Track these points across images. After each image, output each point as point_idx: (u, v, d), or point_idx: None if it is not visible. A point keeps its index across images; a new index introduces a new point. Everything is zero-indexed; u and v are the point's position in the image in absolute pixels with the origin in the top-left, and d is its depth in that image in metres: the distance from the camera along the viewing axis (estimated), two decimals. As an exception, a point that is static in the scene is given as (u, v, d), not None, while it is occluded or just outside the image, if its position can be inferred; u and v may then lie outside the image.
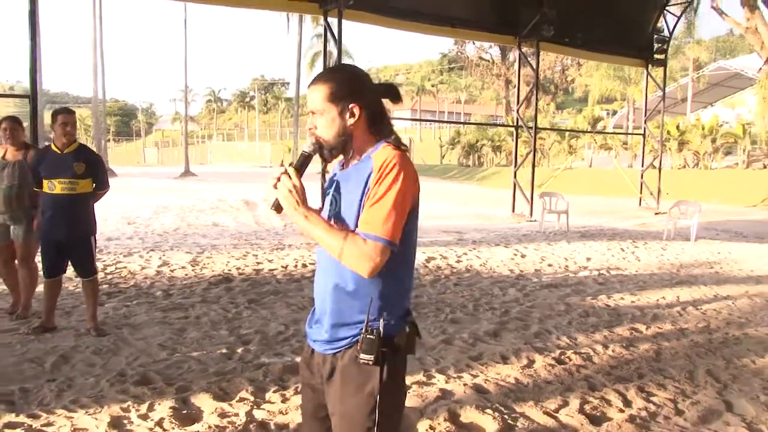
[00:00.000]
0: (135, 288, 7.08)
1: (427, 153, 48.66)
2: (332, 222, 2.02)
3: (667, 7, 18.17)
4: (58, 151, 5.22)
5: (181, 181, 31.83)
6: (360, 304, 2.00)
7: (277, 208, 2.02)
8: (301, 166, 2.02)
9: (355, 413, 2.02)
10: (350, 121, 2.01)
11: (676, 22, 18.91)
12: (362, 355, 1.97)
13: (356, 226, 1.95)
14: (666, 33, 18.59)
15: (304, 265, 8.55)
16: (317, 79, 2.05)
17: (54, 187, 5.14)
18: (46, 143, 6.26)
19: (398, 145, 2.02)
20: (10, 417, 3.64)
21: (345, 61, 13.55)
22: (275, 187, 2.02)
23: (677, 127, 29.59)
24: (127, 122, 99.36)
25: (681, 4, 18.55)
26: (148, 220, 13.87)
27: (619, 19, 16.71)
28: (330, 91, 2.00)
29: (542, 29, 14.55)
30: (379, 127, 2.05)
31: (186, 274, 7.85)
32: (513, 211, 15.97)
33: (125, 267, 8.19)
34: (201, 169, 46.68)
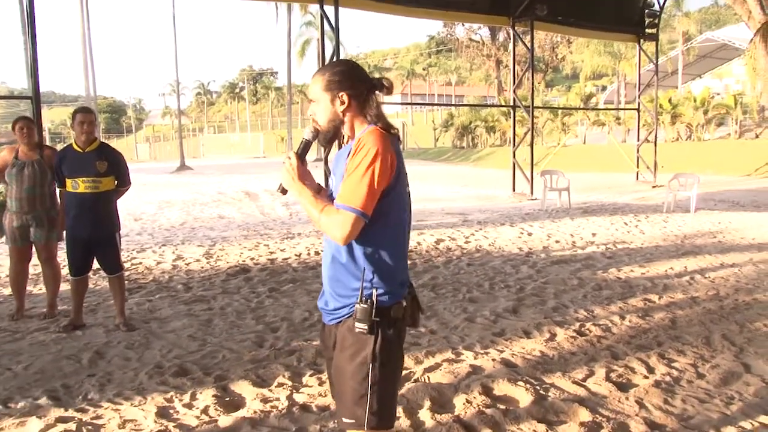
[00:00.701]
0: (155, 283, 7.19)
1: (420, 136, 48.69)
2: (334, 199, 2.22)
3: (656, -19, 18.24)
4: (80, 150, 5.30)
5: (178, 176, 31.82)
6: (354, 274, 2.18)
7: (282, 189, 2.29)
8: (302, 150, 2.27)
9: (349, 379, 2.19)
10: (340, 108, 2.22)
11: (666, -4, 18.98)
12: (357, 324, 2.14)
13: None
14: (656, 7, 18.66)
15: (317, 253, 8.68)
16: (316, 72, 2.29)
17: (78, 186, 5.23)
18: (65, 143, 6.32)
19: (387, 128, 2.21)
20: (60, 412, 3.76)
21: (329, 47, 13.59)
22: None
23: (669, 100, 29.73)
24: (117, 119, 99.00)
25: (670, -23, 18.59)
26: (153, 215, 13.95)
27: (610, -5, 16.80)
28: (324, 82, 2.23)
29: (536, 8, 14.62)
30: (369, 114, 2.23)
31: (202, 267, 7.97)
32: (513, 190, 16.11)
33: (141, 263, 8.30)
34: (195, 163, 46.59)
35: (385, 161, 2.11)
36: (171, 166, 40.67)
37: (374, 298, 2.15)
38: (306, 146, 2.28)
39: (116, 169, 5.39)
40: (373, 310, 2.14)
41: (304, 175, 2.24)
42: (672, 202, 12.95)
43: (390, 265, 2.20)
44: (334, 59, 12.22)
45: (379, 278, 2.18)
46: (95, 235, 5.32)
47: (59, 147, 5.83)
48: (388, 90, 2.29)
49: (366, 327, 2.14)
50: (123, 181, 5.51)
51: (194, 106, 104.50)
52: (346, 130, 2.27)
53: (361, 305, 2.14)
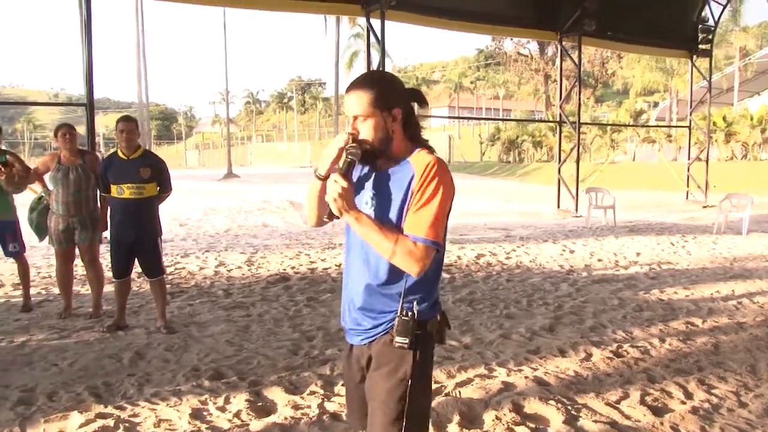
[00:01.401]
0: (196, 288, 7.35)
1: (466, 150, 48.55)
2: None
3: (711, -3, 17.89)
4: (124, 157, 5.50)
5: (225, 183, 32.41)
6: (393, 293, 2.12)
7: (330, 215, 2.09)
8: (346, 170, 2.06)
9: (387, 397, 2.11)
10: (392, 125, 2.09)
11: (722, 11, 18.58)
12: (397, 338, 2.07)
13: (398, 226, 2.06)
14: (711, 22, 18.27)
15: (356, 264, 8.72)
16: (359, 85, 2.10)
17: (122, 191, 5.42)
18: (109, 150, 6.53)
19: (432, 150, 2.14)
20: (100, 408, 3.89)
21: (376, 58, 13.69)
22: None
23: (724, 118, 29.01)
24: (167, 126, 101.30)
25: (726, -8, 18.22)
26: (198, 221, 14.25)
27: (661, 10, 16.52)
28: (374, 96, 2.06)
29: (584, 24, 14.49)
30: (412, 132, 2.14)
31: (243, 274, 8.10)
32: (558, 207, 15.93)
33: (184, 267, 8.49)
34: (242, 171, 47.37)
35: (452, 189, 2.07)
36: (218, 173, 41.43)
37: (415, 311, 2.09)
38: (351, 166, 2.08)
39: (159, 176, 5.56)
40: (415, 323, 2.08)
41: (354, 200, 2.08)
42: (723, 222, 12.62)
43: (431, 281, 2.16)
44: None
45: (421, 292, 2.13)
46: (138, 239, 5.50)
47: (112, 151, 6.02)
48: (423, 103, 2.20)
49: (407, 341, 2.07)
50: (165, 188, 5.68)
51: (243, 115, 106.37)
52: (391, 148, 2.13)
53: (402, 318, 2.08)
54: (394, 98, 2.10)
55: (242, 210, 17.02)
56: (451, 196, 2.07)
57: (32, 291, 6.66)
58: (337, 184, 2.00)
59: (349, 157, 2.07)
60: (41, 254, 9.08)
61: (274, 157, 67.90)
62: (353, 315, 2.22)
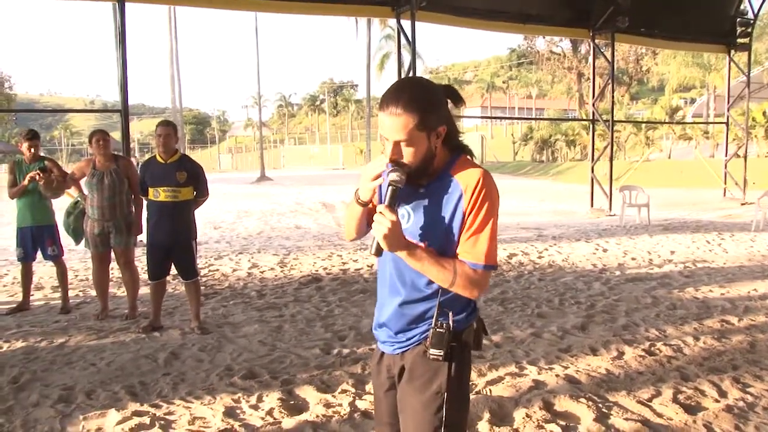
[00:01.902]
0: (230, 289, 7.46)
1: (499, 150, 48.30)
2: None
3: (750, -11, 17.51)
4: (162, 161, 5.62)
5: (258, 186, 32.76)
6: (430, 299, 2.03)
7: (377, 251, 1.93)
8: (392, 201, 1.90)
9: (423, 411, 2.03)
10: (436, 143, 1.94)
11: (762, 4, 18.13)
12: (431, 350, 1.98)
13: (445, 246, 1.96)
14: (750, 15, 17.87)
15: (388, 264, 8.76)
16: (402, 107, 1.86)
17: (159, 194, 5.54)
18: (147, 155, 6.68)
19: (471, 154, 2.04)
20: (136, 406, 3.99)
21: (407, 60, 13.71)
22: (376, 180, 1.97)
23: (763, 113, 28.35)
24: (201, 130, 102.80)
25: (765, -16, 17.80)
26: (232, 224, 14.44)
27: (697, 3, 16.23)
28: (419, 121, 1.86)
29: (617, 21, 14.31)
30: (452, 141, 2.01)
31: (276, 276, 8.20)
32: (591, 205, 15.76)
33: (218, 270, 8.62)
34: (276, 174, 47.82)
35: (499, 201, 1.99)
36: (252, 176, 41.88)
37: (450, 322, 2.00)
38: (395, 194, 1.91)
39: (195, 180, 5.66)
40: (450, 335, 1.98)
41: (402, 233, 1.93)
42: (762, 220, 12.35)
43: None
44: (410, 74, 12.37)
45: (456, 304, 2.04)
46: (173, 241, 5.61)
47: (147, 156, 6.17)
48: (458, 100, 2.03)
49: (441, 353, 1.98)
50: (201, 192, 5.77)
51: (275, 118, 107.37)
52: (432, 164, 1.99)
53: (437, 330, 1.98)
54: (439, 117, 1.92)
55: (275, 212, 17.20)
56: (497, 208, 1.98)
57: (70, 293, 6.85)
58: (385, 219, 1.86)
59: (393, 185, 1.90)
60: (78, 257, 9.31)
61: (307, 159, 68.39)
62: (386, 326, 2.15)
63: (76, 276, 8.17)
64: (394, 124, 1.87)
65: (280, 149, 76.81)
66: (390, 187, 1.91)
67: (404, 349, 2.10)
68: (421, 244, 1.96)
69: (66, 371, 4.68)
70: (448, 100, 2.00)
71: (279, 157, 71.01)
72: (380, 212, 1.87)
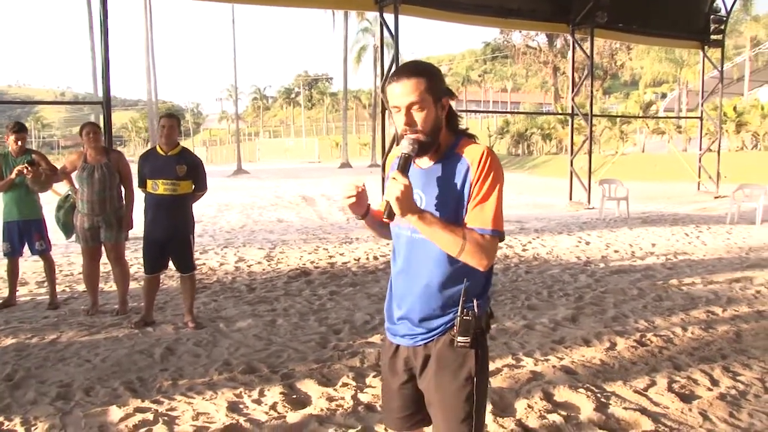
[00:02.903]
0: (218, 283, 7.44)
1: (474, 143, 48.37)
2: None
3: (723, -14, 17.82)
4: (162, 153, 5.56)
5: (236, 179, 32.55)
6: (452, 293, 2.05)
7: (389, 214, 1.99)
8: (405, 167, 1.98)
9: (453, 399, 2.07)
10: (441, 115, 2.04)
11: (734, 2, 18.48)
12: (459, 338, 2.01)
13: (457, 221, 2.01)
14: (723, 13, 18.20)
15: (375, 258, 8.82)
16: (411, 73, 2.00)
17: (157, 187, 5.49)
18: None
19: (475, 138, 2.13)
20: (137, 402, 3.97)
21: (387, 53, 13.77)
22: (349, 199, 2.09)
23: (734, 108, 28.87)
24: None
25: (737, -18, 18.13)
26: (213, 218, 14.36)
27: (673, 1, 16.48)
28: (428, 84, 1.98)
29: (596, 16, 14.49)
30: (454, 122, 2.10)
31: (264, 269, 8.19)
32: (570, 199, 15.95)
33: (204, 263, 8.58)
34: (251, 167, 47.56)
35: (503, 177, 2.05)
36: (227, 169, 41.60)
37: (476, 309, 2.04)
38: (407, 162, 2.00)
39: (194, 174, 5.61)
40: (476, 322, 2.03)
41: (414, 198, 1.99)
42: (736, 213, 12.62)
43: (488, 276, 2.13)
44: (393, 67, 12.39)
45: (479, 290, 2.09)
46: (170, 235, 5.57)
47: (150, 147, 6.10)
48: (453, 95, 2.14)
49: (469, 341, 2.02)
50: (200, 186, 5.74)
51: (250, 111, 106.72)
52: (438, 139, 2.07)
53: (464, 318, 2.02)
54: (443, 88, 2.05)
55: (256, 206, 17.14)
56: (503, 183, 2.04)
57: (57, 288, 6.77)
58: (398, 183, 1.92)
59: (407, 151, 2.00)
60: (60, 252, 9.19)
61: (282, 152, 68.14)
62: (405, 319, 2.16)
63: (61, 271, 8.06)
64: (406, 87, 1.98)
65: (255, 142, 76.37)
66: (403, 155, 2.00)
67: (428, 340, 2.12)
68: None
69: (61, 368, 4.64)
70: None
71: (254, 151, 70.61)
72: (393, 177, 1.94)
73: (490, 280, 2.16)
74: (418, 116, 2.00)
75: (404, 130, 2.02)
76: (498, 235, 2.00)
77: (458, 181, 2.02)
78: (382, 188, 2.27)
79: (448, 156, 2.06)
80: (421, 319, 2.11)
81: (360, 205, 2.15)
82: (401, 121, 2.01)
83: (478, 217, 1.99)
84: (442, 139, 2.06)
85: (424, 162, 2.09)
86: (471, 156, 2.02)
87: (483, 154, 2.01)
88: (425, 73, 2.01)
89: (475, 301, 2.05)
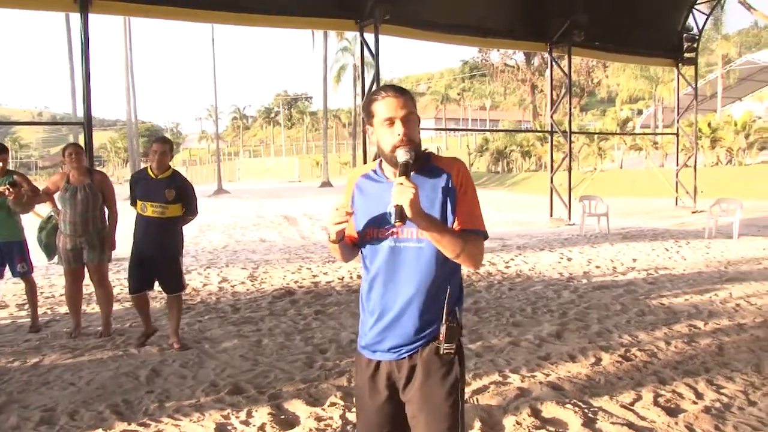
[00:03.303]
0: (203, 304, 7.39)
1: (454, 161, 48.65)
2: (400, 230, 2.12)
3: (695, 6, 18.19)
4: (153, 176, 5.56)
5: (216, 199, 32.41)
6: (438, 300, 2.13)
7: (401, 218, 2.00)
8: (407, 174, 2.04)
9: (441, 406, 2.13)
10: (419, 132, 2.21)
11: (705, 20, 18.90)
12: (445, 345, 2.09)
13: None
14: (695, 31, 18.59)
15: (360, 276, 8.79)
16: (401, 90, 2.17)
17: (146, 209, 5.50)
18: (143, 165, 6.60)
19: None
20: (123, 425, 3.93)
21: (368, 72, 13.88)
22: (339, 225, 2.14)
23: (708, 124, 29.40)
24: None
25: (709, 1, 18.55)
26: (195, 238, 14.26)
27: (647, 20, 16.79)
28: (413, 101, 2.19)
29: (573, 34, 14.73)
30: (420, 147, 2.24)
31: (248, 289, 8.16)
32: (551, 215, 16.09)
33: (188, 284, 8.50)
34: (232, 186, 47.40)
35: None
36: (208, 189, 41.39)
37: (459, 315, 2.16)
38: (408, 168, 2.07)
39: (184, 198, 5.61)
40: (459, 328, 2.13)
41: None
42: (714, 227, 12.82)
43: (461, 281, 2.25)
44: (375, 86, 12.48)
45: (458, 296, 2.20)
46: (157, 256, 5.57)
47: (143, 167, 6.05)
48: None
49: (454, 347, 2.11)
50: (190, 210, 5.72)
51: (230, 131, 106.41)
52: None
53: (449, 325, 2.10)
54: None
55: (238, 225, 17.07)
56: None
57: (38, 311, 6.68)
58: (408, 188, 1.98)
59: (406, 158, 2.07)
60: (41, 274, 9.08)
61: (263, 172, 67.99)
62: (390, 332, 2.17)
63: (42, 293, 7.95)
64: (399, 102, 2.13)
65: (235, 162, 76.16)
66: (402, 163, 2.07)
67: (413, 351, 2.16)
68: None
69: (44, 392, 4.57)
70: None
71: (234, 170, 70.39)
72: (400, 183, 2.00)
73: (462, 289, 2.28)
74: (409, 126, 2.13)
75: (400, 140, 2.11)
76: (486, 235, 2.18)
77: (442, 188, 2.15)
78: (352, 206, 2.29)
79: (426, 167, 2.18)
80: (412, 328, 2.14)
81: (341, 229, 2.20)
82: (394, 132, 2.11)
83: (470, 221, 2.14)
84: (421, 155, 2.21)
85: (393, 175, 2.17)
86: (449, 167, 2.18)
87: (460, 165, 2.20)
88: (409, 93, 2.20)
89: (456, 308, 2.16)
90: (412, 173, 2.09)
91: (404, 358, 2.17)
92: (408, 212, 1.98)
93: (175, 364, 5.16)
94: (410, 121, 2.13)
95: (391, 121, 2.12)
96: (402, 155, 2.09)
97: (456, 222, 2.13)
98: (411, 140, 2.11)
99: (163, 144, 5.60)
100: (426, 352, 2.15)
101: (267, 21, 12.34)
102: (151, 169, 5.60)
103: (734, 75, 44.59)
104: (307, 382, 4.62)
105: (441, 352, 2.11)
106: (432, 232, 2.05)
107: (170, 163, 5.71)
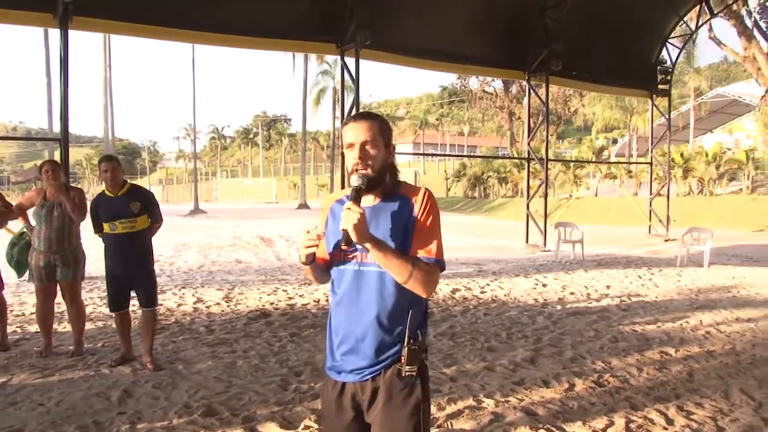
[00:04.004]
0: (177, 324, 7.32)
1: (432, 186, 48.76)
2: (364, 253, 2.18)
3: (668, 40, 18.66)
4: (112, 195, 5.57)
5: (192, 219, 32.16)
6: (400, 323, 2.18)
7: (347, 242, 2.11)
8: (356, 199, 2.14)
9: (403, 427, 2.16)
10: (389, 158, 2.26)
11: (678, 54, 19.41)
12: (407, 367, 2.14)
13: (399, 249, 2.15)
14: (669, 64, 19.05)
15: (335, 299, 8.79)
16: (365, 117, 2.26)
17: (116, 227, 5.50)
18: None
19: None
20: (94, 447, 3.88)
21: (347, 95, 14.01)
22: (310, 249, 2.23)
23: (681, 154, 29.96)
24: (130, 161, 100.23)
25: (681, 36, 19.05)
26: (170, 258, 14.15)
27: (623, 52, 17.18)
28: (380, 127, 2.24)
29: (551, 64, 14.99)
30: (395, 170, 2.30)
31: (222, 310, 8.10)
32: (527, 241, 16.23)
33: (162, 304, 8.42)
34: (209, 206, 47.11)
35: (439, 213, 2.27)
36: (184, 208, 41.12)
37: (420, 337, 2.19)
38: (359, 194, 2.17)
39: (148, 208, 5.66)
40: (422, 351, 2.18)
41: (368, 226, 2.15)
42: (686, 256, 13.02)
43: (425, 305, 2.27)
44: (354, 109, 12.57)
45: (422, 319, 2.25)
46: (132, 271, 5.58)
47: (99, 191, 6.03)
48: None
49: (416, 369, 2.15)
50: (155, 218, 5.77)
51: (208, 150, 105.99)
52: (386, 180, 2.25)
53: (411, 348, 2.15)
54: (390, 135, 2.30)
55: (213, 246, 16.95)
56: (440, 220, 2.27)
57: (7, 329, 6.56)
58: (354, 212, 2.07)
59: (357, 184, 2.18)
60: (11, 291, 8.93)
61: (240, 192, 67.68)
62: (352, 354, 2.23)
63: (12, 311, 7.82)
64: (361, 127, 2.22)
65: (212, 182, 75.76)
66: (353, 188, 2.17)
67: (376, 374, 2.20)
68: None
69: (11, 413, 4.49)
70: None
71: (212, 190, 70.00)
72: (348, 207, 2.09)
73: (427, 311, 2.32)
74: (370, 153, 2.21)
75: (356, 164, 2.20)
76: (440, 264, 2.19)
77: (404, 216, 2.21)
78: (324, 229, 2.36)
79: (392, 195, 2.25)
80: (374, 351, 2.19)
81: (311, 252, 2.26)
82: (353, 156, 2.21)
83: (424, 248, 2.18)
84: (390, 181, 2.26)
85: (370, 201, 2.25)
86: (413, 195, 2.24)
87: (425, 193, 2.24)
88: (378, 118, 2.28)
89: (418, 331, 2.19)
90: (378, 200, 2.24)
91: (367, 379, 2.21)
92: (353, 236, 2.07)
93: (148, 384, 5.10)
94: (370, 146, 2.21)
95: (351, 146, 2.22)
96: (354, 180, 2.19)
97: (412, 249, 2.18)
98: (367, 165, 2.19)
99: (109, 162, 5.61)
100: (388, 374, 2.20)
101: (249, 43, 12.39)
102: (107, 190, 5.62)
103: (705, 107, 45.63)
104: (282, 405, 4.60)
105: (403, 375, 2.15)
106: (378, 255, 2.12)
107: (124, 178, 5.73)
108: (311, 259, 2.26)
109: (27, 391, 4.93)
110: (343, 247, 2.15)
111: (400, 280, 2.13)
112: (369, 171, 2.19)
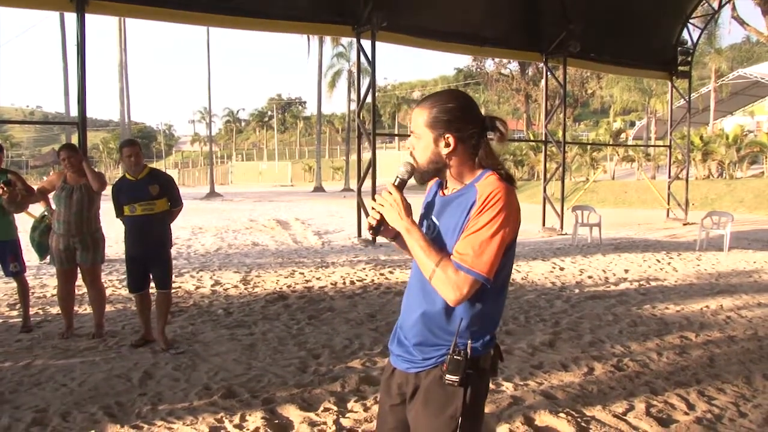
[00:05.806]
0: (195, 307, 7.37)
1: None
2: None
3: (690, 20, 18.36)
4: (133, 179, 5.62)
5: (208, 202, 32.31)
6: (448, 326, 2.02)
7: (375, 230, 2.06)
8: (398, 186, 2.07)
9: None
10: (445, 151, 2.01)
11: (700, 34, 19.11)
12: (448, 376, 1.97)
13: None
14: (689, 45, 18.76)
15: (352, 282, 8.82)
16: (423, 102, 2.06)
17: (135, 210, 5.57)
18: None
19: (507, 176, 2.03)
20: (116, 428, 3.92)
21: (363, 78, 13.92)
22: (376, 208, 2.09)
23: (700, 137, 29.61)
24: (146, 144, 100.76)
25: (703, 16, 18.73)
26: (187, 240, 14.24)
27: (643, 33, 16.94)
28: (430, 117, 2.01)
29: (569, 45, 14.82)
30: (481, 159, 2.04)
31: (240, 293, 8.15)
32: (543, 225, 16.15)
33: (180, 287, 8.50)
34: (224, 190, 47.32)
35: (515, 221, 1.96)
36: (200, 192, 41.33)
37: (468, 350, 1.99)
38: (402, 185, 2.08)
39: (168, 191, 5.71)
40: (467, 362, 1.98)
41: (408, 212, 2.03)
42: (705, 239, 12.89)
43: (489, 318, 2.07)
44: (370, 92, 12.52)
45: (475, 330, 2.03)
46: (152, 253, 5.66)
47: (120, 176, 6.08)
48: (502, 136, 2.07)
49: (458, 379, 1.97)
50: (175, 202, 5.83)
51: (223, 134, 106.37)
52: (450, 174, 2.08)
53: (455, 357, 1.98)
54: (450, 123, 2.01)
55: (230, 229, 17.04)
56: (512, 227, 1.96)
57: (30, 311, 6.64)
58: (390, 195, 2.03)
59: (400, 175, 2.08)
60: (33, 274, 9.04)
61: (255, 175, 67.87)
62: (403, 342, 2.15)
63: (33, 293, 7.91)
64: (413, 116, 2.08)
65: (227, 165, 76.00)
66: (397, 177, 2.08)
67: (419, 370, 2.10)
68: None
69: (36, 393, 4.55)
70: (490, 132, 2.08)
71: (227, 173, 70.26)
72: (387, 189, 2.04)
73: (494, 321, 2.11)
74: (413, 144, 2.08)
75: (410, 153, 2.11)
76: (476, 276, 1.91)
77: (463, 213, 1.99)
78: (419, 221, 2.28)
79: (466, 189, 2.04)
80: (416, 343, 2.09)
81: (388, 229, 2.15)
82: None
83: (460, 250, 1.94)
84: (463, 172, 2.06)
85: (447, 190, 2.12)
86: (483, 190, 1.97)
87: (494, 190, 1.95)
88: (433, 106, 2.03)
89: (469, 342, 2.00)
90: (454, 191, 2.08)
91: (412, 373, 2.13)
92: (387, 217, 2.04)
93: (168, 366, 5.15)
94: (416, 138, 2.06)
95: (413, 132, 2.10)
96: (398, 170, 2.09)
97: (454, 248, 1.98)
98: (413, 156, 2.09)
99: (132, 146, 5.68)
100: (431, 376, 2.07)
101: (264, 25, 12.36)
102: (128, 174, 5.69)
103: (726, 89, 44.96)
104: (301, 387, 4.62)
105: (444, 381, 2.01)
106: (408, 242, 2.02)
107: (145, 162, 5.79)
108: (395, 234, 2.15)
109: (50, 372, 5.00)
110: (369, 232, 2.12)
111: (425, 275, 1.98)
112: (414, 163, 2.07)
